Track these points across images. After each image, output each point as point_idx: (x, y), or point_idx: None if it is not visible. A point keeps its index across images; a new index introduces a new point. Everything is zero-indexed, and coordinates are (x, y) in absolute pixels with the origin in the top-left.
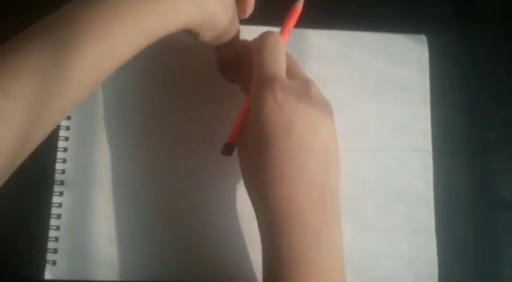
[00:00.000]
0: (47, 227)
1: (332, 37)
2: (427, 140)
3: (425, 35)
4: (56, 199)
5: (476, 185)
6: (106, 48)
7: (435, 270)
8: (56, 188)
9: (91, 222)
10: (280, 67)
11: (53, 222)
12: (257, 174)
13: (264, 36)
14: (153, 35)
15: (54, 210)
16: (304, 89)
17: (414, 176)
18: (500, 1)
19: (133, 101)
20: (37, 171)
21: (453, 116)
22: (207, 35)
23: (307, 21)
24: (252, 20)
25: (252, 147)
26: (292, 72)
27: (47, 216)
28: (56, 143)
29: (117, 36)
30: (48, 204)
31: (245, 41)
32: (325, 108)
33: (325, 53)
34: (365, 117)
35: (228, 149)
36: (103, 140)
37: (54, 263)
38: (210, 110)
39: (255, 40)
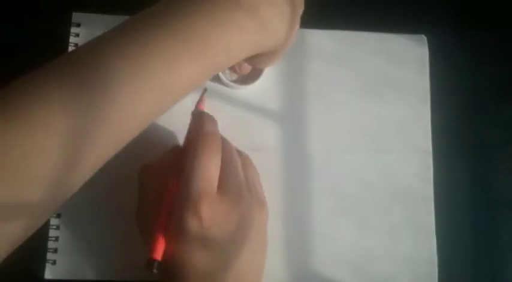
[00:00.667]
0: (47, 227)
1: (332, 37)
2: (427, 140)
3: (425, 35)
4: None
5: (476, 185)
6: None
7: (435, 270)
8: None
9: (91, 221)
10: (209, 181)
11: (53, 221)
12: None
13: (197, 141)
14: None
15: None
16: (235, 203)
17: (414, 176)
18: (500, 1)
19: None
20: None
21: (453, 116)
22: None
23: (307, 21)
24: None
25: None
26: (225, 181)
27: None
28: None
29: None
30: None
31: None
32: (257, 222)
33: (325, 53)
34: (365, 117)
35: (151, 266)
36: None
37: (54, 262)
38: None
39: (190, 137)
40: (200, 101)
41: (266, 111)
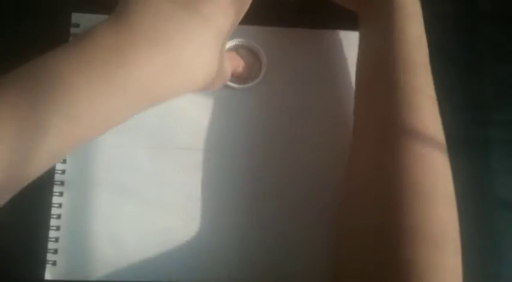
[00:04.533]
0: (47, 228)
1: (332, 37)
2: None
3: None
4: (56, 199)
5: (476, 185)
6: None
7: None
8: (56, 189)
9: (91, 222)
10: None
11: (53, 222)
12: None
13: None
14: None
15: (54, 211)
16: None
17: None
18: (501, 1)
19: None
20: None
21: (453, 116)
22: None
23: (307, 20)
24: (252, 20)
25: None
26: None
27: (47, 216)
28: None
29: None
30: (48, 204)
31: None
32: None
33: (325, 53)
34: None
35: None
36: (102, 140)
37: (54, 263)
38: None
39: None
40: None
41: (266, 111)
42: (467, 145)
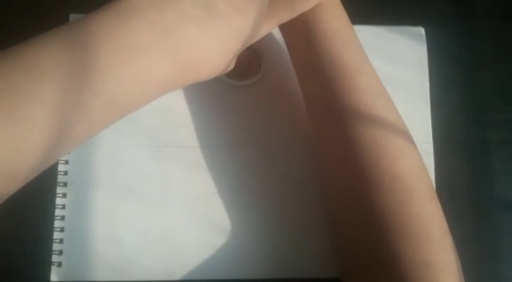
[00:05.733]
0: (51, 229)
1: None
2: (427, 140)
3: (423, 27)
4: (59, 201)
5: (476, 185)
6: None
7: None
8: (59, 190)
9: (95, 223)
10: None
11: (57, 223)
12: None
13: None
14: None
15: (58, 212)
16: None
17: None
18: (500, 1)
19: None
20: (39, 174)
21: (453, 116)
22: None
23: None
24: None
25: None
26: None
27: (51, 218)
28: None
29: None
30: (51, 206)
31: None
32: None
33: None
34: None
35: None
36: (104, 140)
37: (59, 264)
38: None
39: None
40: None
41: (266, 108)
42: (467, 145)
